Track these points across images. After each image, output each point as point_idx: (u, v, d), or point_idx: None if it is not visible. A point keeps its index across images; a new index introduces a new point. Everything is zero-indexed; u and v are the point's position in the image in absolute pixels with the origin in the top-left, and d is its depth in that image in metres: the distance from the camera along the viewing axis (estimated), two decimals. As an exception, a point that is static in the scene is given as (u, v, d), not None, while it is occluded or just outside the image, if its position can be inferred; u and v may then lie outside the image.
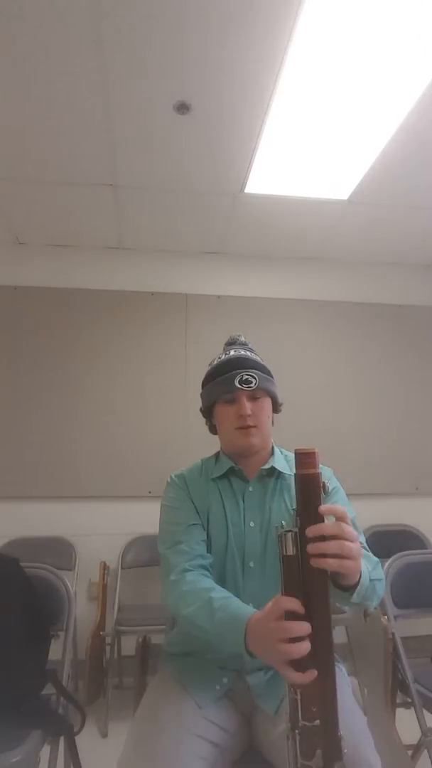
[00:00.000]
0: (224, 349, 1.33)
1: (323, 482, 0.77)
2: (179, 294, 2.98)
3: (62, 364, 2.84)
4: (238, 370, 1.20)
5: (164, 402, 2.86)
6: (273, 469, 1.22)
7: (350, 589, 0.89)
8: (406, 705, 1.52)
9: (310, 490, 0.77)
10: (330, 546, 0.76)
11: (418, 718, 1.47)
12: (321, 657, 0.77)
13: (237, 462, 1.23)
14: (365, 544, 1.12)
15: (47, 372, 2.82)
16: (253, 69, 1.64)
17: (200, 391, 1.30)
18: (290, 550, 0.76)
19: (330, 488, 0.81)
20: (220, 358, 1.28)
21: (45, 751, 1.27)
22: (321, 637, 0.77)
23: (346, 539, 0.77)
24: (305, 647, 0.76)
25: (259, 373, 1.22)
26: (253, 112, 1.83)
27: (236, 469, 1.23)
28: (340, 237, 2.84)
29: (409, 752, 1.45)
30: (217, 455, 1.31)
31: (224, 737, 1.03)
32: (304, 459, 0.77)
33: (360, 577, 0.88)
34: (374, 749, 0.95)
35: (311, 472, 0.77)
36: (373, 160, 2.09)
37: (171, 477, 1.28)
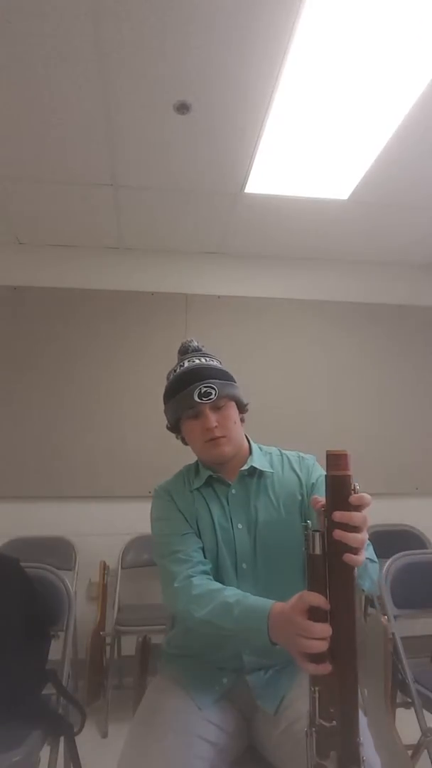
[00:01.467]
0: (178, 359, 1.31)
1: (353, 485, 0.78)
2: (179, 294, 2.98)
3: (62, 364, 2.84)
4: (196, 383, 1.17)
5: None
6: (253, 469, 1.21)
7: None
8: (406, 705, 1.52)
9: (340, 492, 0.77)
10: (356, 539, 0.76)
11: (418, 718, 1.47)
12: (343, 657, 0.77)
13: (215, 470, 1.23)
14: None
15: (47, 372, 2.82)
16: (253, 69, 1.64)
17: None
18: (317, 550, 0.77)
19: (357, 488, 0.81)
20: (175, 371, 1.26)
21: (45, 751, 1.26)
22: (344, 637, 0.77)
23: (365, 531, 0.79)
24: (323, 645, 0.77)
25: (218, 381, 1.19)
26: (253, 112, 1.83)
27: (215, 476, 1.22)
28: (340, 237, 2.84)
29: (409, 752, 1.45)
30: (196, 465, 1.30)
31: (224, 737, 1.03)
32: (335, 460, 0.78)
33: None
34: (374, 749, 0.95)
35: (342, 473, 0.77)
36: (373, 160, 2.09)
37: (156, 490, 1.28)
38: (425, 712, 1.49)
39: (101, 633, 2.40)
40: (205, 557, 1.16)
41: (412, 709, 1.49)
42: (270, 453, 1.29)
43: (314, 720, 0.77)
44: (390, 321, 3.14)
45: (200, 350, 1.31)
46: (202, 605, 1.02)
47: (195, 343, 1.33)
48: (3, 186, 2.32)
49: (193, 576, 1.09)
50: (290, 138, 1.97)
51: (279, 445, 1.32)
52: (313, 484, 1.21)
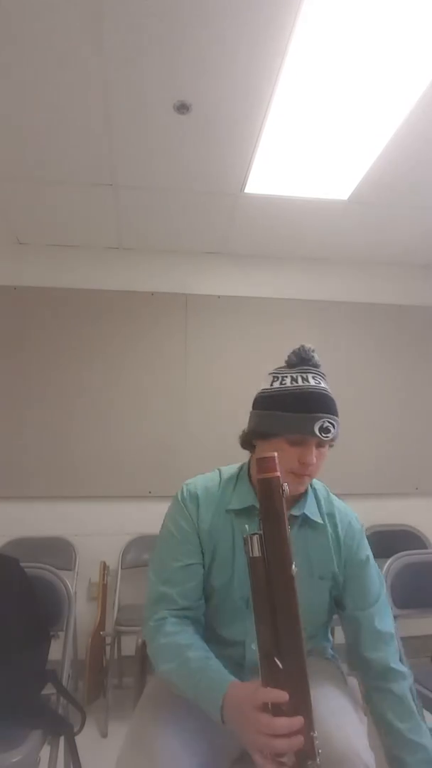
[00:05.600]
0: (295, 365, 1.14)
1: (282, 485, 0.81)
2: (179, 294, 2.98)
3: (62, 364, 2.84)
4: (321, 415, 1.03)
5: (164, 402, 2.86)
6: (304, 517, 1.11)
7: None
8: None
9: (270, 492, 0.82)
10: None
11: (418, 718, 1.47)
12: (289, 653, 0.79)
13: None
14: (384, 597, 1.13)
15: (47, 372, 2.82)
16: (253, 69, 1.64)
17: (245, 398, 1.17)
18: (256, 552, 0.81)
19: (286, 489, 0.82)
20: (294, 381, 1.09)
21: (45, 751, 1.27)
22: (288, 635, 0.79)
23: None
24: (288, 745, 0.76)
25: (337, 420, 1.06)
26: (253, 112, 1.83)
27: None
28: (340, 237, 2.84)
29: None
30: (237, 476, 1.16)
31: (223, 736, 1.03)
32: (264, 463, 0.82)
33: None
34: (367, 746, 0.95)
35: (270, 476, 0.82)
36: (373, 160, 2.09)
37: (184, 490, 1.15)
38: (425, 712, 1.49)
39: (101, 633, 2.40)
40: (209, 588, 1.09)
41: (412, 709, 1.49)
42: (316, 490, 1.18)
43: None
44: (390, 321, 3.14)
45: (319, 366, 1.15)
46: (165, 659, 1.00)
47: (317, 357, 1.15)
48: (3, 186, 2.32)
49: (167, 618, 1.04)
50: (290, 138, 1.97)
51: None
52: (356, 561, 1.12)
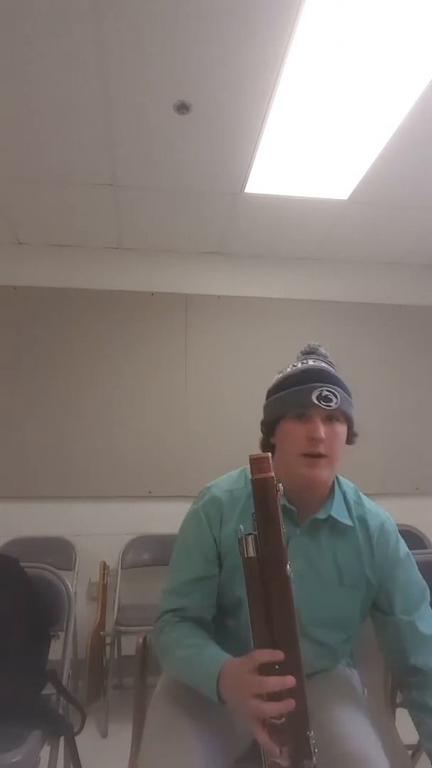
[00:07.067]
0: (299, 358, 1.14)
1: (277, 485, 0.81)
2: (179, 294, 2.98)
3: (62, 364, 2.84)
4: (318, 384, 1.00)
5: (164, 402, 2.86)
6: (332, 519, 1.04)
7: None
8: (407, 705, 1.52)
9: (265, 494, 0.82)
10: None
11: (418, 718, 1.47)
12: (284, 650, 0.79)
13: (290, 497, 1.03)
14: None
15: (47, 372, 2.82)
16: (253, 69, 1.64)
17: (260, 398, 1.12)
18: (251, 552, 0.82)
19: (281, 489, 0.82)
20: (294, 366, 1.09)
21: (45, 751, 1.26)
22: (283, 632, 0.80)
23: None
24: (279, 708, 0.77)
25: (342, 392, 1.01)
26: (253, 112, 1.83)
27: (287, 507, 1.02)
28: (340, 237, 2.84)
29: (409, 752, 1.44)
30: None
31: (227, 736, 1.03)
32: (258, 464, 0.82)
33: None
34: (381, 751, 0.93)
35: (264, 476, 0.81)
36: (373, 160, 2.09)
37: (206, 497, 1.09)
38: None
39: (101, 633, 2.40)
40: (231, 606, 1.06)
41: (412, 709, 1.49)
42: (345, 493, 1.10)
43: (265, 719, 0.79)
44: (390, 321, 3.14)
45: (327, 357, 1.14)
46: (168, 653, 1.01)
47: (323, 350, 1.15)
48: (3, 186, 2.32)
49: (176, 622, 1.04)
50: (290, 138, 1.97)
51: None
52: (392, 562, 1.06)
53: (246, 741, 1.08)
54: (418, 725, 1.00)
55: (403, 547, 1.09)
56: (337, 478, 1.10)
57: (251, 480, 0.83)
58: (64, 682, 1.40)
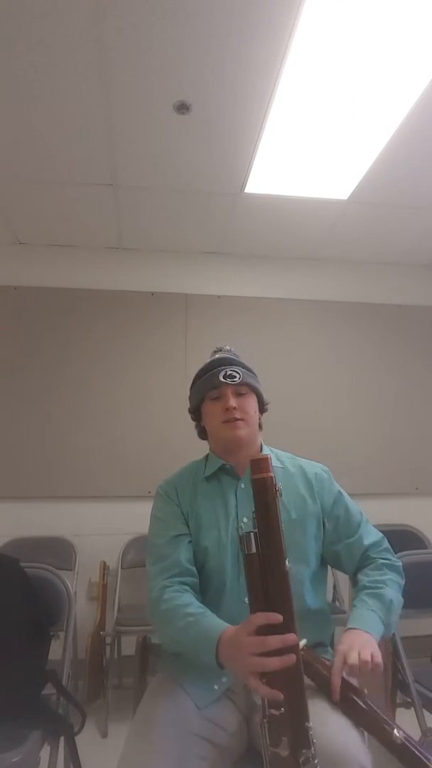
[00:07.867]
0: (209, 357, 1.36)
1: (276, 485, 0.88)
2: (179, 294, 2.98)
3: (62, 364, 2.84)
4: (222, 367, 1.23)
5: (164, 402, 2.86)
6: None
7: None
8: (406, 705, 1.52)
9: (264, 492, 0.87)
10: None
11: (418, 718, 1.47)
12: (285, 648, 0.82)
13: (227, 460, 1.25)
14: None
15: (47, 372, 2.82)
16: (253, 69, 1.64)
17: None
18: (252, 549, 0.86)
19: (280, 489, 0.89)
20: (205, 362, 1.32)
21: (45, 751, 1.26)
22: (285, 630, 0.83)
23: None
24: (277, 662, 0.80)
25: (243, 369, 1.25)
26: (253, 112, 1.83)
27: (227, 467, 1.24)
28: (340, 237, 2.84)
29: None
30: (206, 457, 1.32)
31: (224, 737, 1.03)
32: (258, 465, 0.87)
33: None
34: (364, 747, 0.95)
35: (264, 476, 0.87)
36: (373, 160, 2.09)
37: (159, 486, 1.29)
38: (425, 712, 1.49)
39: (101, 633, 2.40)
40: (202, 553, 1.18)
41: (412, 709, 1.50)
42: (281, 455, 1.31)
43: (265, 711, 0.83)
44: (390, 321, 3.14)
45: (232, 351, 1.36)
46: (165, 622, 1.07)
47: (228, 347, 1.37)
48: (3, 186, 2.32)
49: (167, 587, 1.11)
50: (290, 138, 1.97)
51: (278, 446, 1.32)
52: (332, 498, 1.25)
53: (242, 742, 1.08)
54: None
55: (337, 485, 1.29)
56: (265, 445, 1.30)
57: (251, 480, 0.87)
58: (64, 682, 1.40)
